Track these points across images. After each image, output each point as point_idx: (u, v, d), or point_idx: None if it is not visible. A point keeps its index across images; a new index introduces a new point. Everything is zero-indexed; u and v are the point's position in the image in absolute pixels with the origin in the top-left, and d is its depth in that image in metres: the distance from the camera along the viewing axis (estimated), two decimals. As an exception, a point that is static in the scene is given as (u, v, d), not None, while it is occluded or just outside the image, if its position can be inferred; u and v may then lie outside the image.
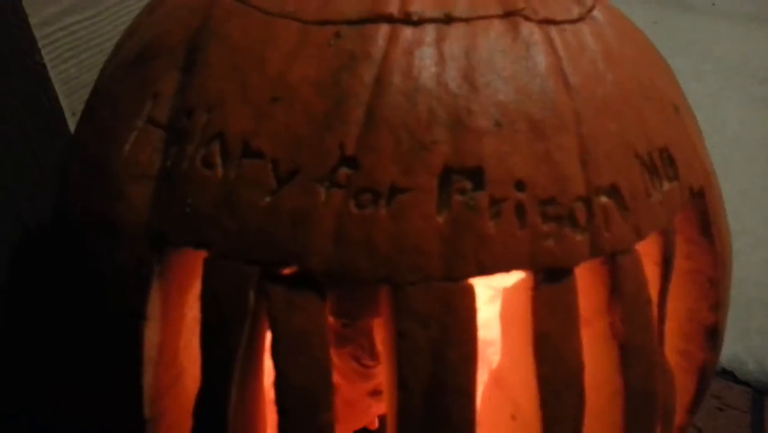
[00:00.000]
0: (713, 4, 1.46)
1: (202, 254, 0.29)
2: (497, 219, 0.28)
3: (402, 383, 0.28)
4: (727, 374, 0.71)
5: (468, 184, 0.27)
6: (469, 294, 0.28)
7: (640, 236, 0.31)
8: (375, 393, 0.43)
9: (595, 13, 0.33)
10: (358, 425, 0.47)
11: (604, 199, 0.30)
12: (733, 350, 0.72)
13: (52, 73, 0.53)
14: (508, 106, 0.28)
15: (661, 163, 0.32)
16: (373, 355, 0.36)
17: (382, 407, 0.44)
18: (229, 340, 0.28)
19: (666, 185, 0.32)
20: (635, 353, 0.31)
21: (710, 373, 0.41)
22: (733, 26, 1.39)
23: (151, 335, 0.30)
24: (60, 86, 0.54)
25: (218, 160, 0.28)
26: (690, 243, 0.36)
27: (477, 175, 0.27)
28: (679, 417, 0.43)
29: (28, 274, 0.50)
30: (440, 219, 0.27)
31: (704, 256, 0.36)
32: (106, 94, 0.34)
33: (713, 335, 0.39)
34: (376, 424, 0.54)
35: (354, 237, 0.27)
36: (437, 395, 0.28)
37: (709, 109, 1.05)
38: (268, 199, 0.28)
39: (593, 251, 0.29)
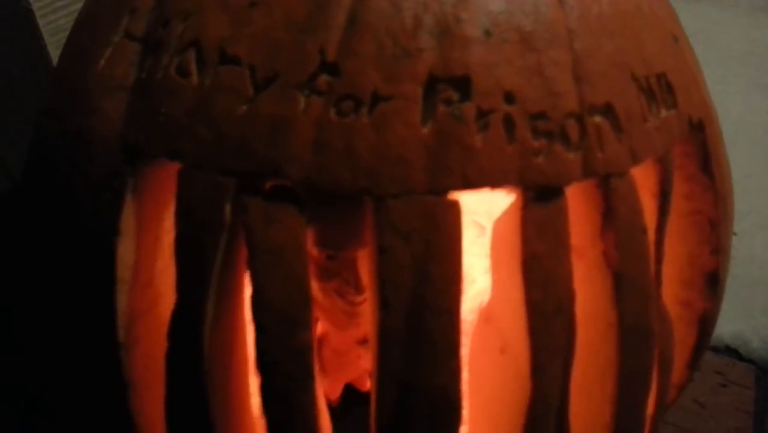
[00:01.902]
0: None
1: (178, 168, 0.28)
2: (485, 132, 0.26)
3: (384, 301, 0.27)
4: (731, 352, 0.70)
5: (454, 95, 0.26)
6: (454, 210, 0.26)
7: (635, 159, 0.29)
8: (363, 342, 0.42)
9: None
10: (348, 378, 0.46)
11: (598, 118, 0.28)
12: (737, 327, 0.71)
13: (41, 23, 0.52)
14: (499, 16, 0.27)
15: (659, 89, 0.31)
16: (359, 288, 0.34)
17: (369, 359, 0.43)
18: (204, 255, 0.27)
19: (663, 112, 0.31)
20: (629, 283, 0.30)
21: (710, 324, 0.40)
22: (739, 16, 1.39)
23: (125, 253, 0.29)
24: (49, 37, 0.53)
25: (193, 68, 0.27)
26: (690, 181, 0.35)
27: (464, 85, 0.26)
28: (678, 373, 0.42)
29: (12, 221, 0.49)
30: (425, 130, 0.26)
31: (704, 195, 0.35)
32: (86, 17, 0.33)
33: (714, 282, 0.37)
34: (368, 385, 0.53)
35: (334, 145, 0.26)
36: (419, 313, 0.27)
37: (715, 94, 1.05)
38: (244, 107, 0.26)
39: (586, 172, 0.28)
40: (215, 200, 0.27)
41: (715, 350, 0.69)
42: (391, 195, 0.26)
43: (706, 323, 0.39)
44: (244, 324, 0.30)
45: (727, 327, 0.71)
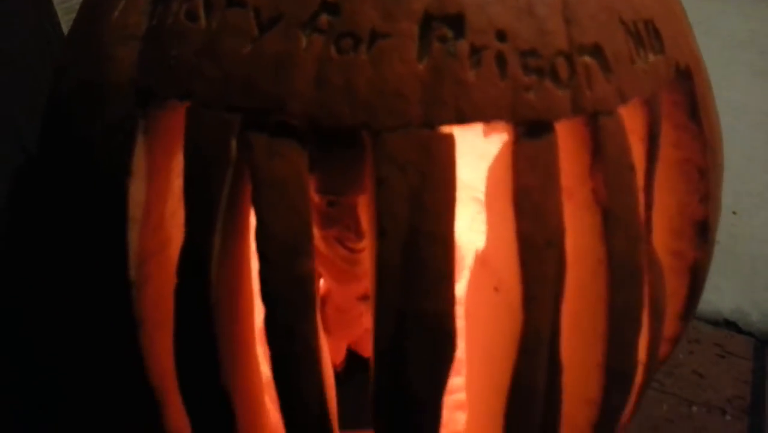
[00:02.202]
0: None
1: (186, 108, 0.29)
2: (478, 68, 0.28)
3: (381, 230, 0.28)
4: (730, 325, 0.71)
5: (449, 32, 0.28)
6: (449, 142, 0.28)
7: (623, 99, 0.31)
8: (364, 298, 0.43)
9: None
10: (351, 337, 0.48)
11: (586, 58, 0.30)
12: (736, 302, 0.72)
13: (55, 1, 0.54)
14: (489, -41, 0.28)
15: (647, 34, 0.32)
16: (359, 233, 0.36)
17: (370, 316, 0.45)
18: (211, 190, 0.29)
19: (651, 57, 0.32)
20: (618, 219, 0.31)
21: (701, 275, 0.41)
22: (741, 6, 1.41)
23: (136, 193, 0.30)
24: (62, 15, 0.54)
25: (201, 12, 0.29)
26: (679, 129, 0.36)
27: (458, 23, 0.28)
28: (670, 325, 0.43)
29: (28, 197, 0.51)
30: (420, 66, 0.27)
31: (693, 143, 0.36)
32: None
33: (703, 231, 0.39)
34: (369, 351, 0.54)
35: (334, 81, 0.27)
36: (415, 242, 0.28)
37: (717, 80, 1.07)
38: (249, 46, 0.28)
39: (575, 109, 0.29)
40: (221, 136, 0.28)
41: (715, 323, 0.71)
42: (388, 128, 0.27)
43: (697, 272, 0.40)
44: (249, 259, 0.31)
45: (726, 302, 0.72)
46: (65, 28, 0.55)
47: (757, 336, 0.69)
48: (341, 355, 0.51)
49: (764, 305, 0.72)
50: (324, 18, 0.27)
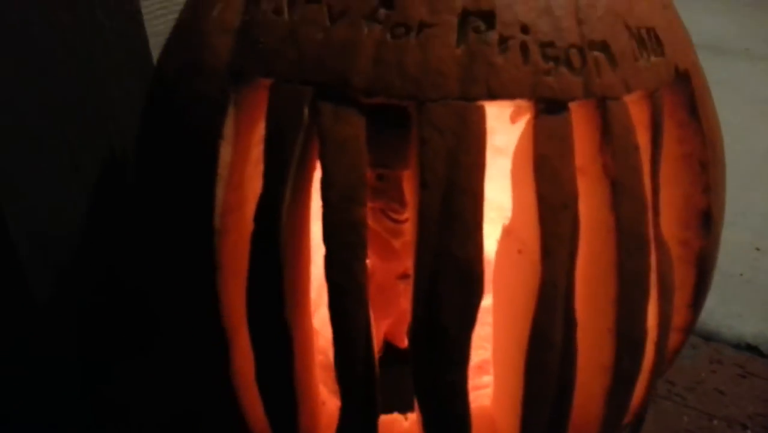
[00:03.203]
0: (747, 50, 1.54)
1: (269, 84, 0.36)
2: (505, 54, 0.34)
3: (423, 183, 0.34)
4: (752, 349, 0.74)
5: (482, 25, 0.34)
6: (480, 113, 0.34)
7: (628, 89, 0.37)
8: (404, 277, 0.49)
9: None
10: (390, 315, 0.53)
11: (596, 53, 0.36)
12: (759, 328, 0.75)
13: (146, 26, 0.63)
14: (515, -30, 0.35)
15: (649, 39, 0.38)
16: (402, 203, 0.42)
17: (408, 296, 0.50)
18: (286, 148, 0.35)
19: (653, 58, 0.38)
20: (625, 191, 0.37)
21: (708, 263, 0.46)
22: (766, 66, 1.47)
23: (225, 155, 0.37)
24: (150, 39, 0.63)
25: (285, 8, 0.36)
26: (681, 127, 0.42)
27: (489, 18, 0.34)
28: (681, 314, 0.47)
29: (115, 193, 0.59)
30: (458, 50, 0.34)
31: (694, 138, 0.42)
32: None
33: (707, 220, 0.44)
34: (406, 342, 0.59)
35: (389, 60, 0.34)
36: (451, 194, 0.34)
37: (741, 133, 1.13)
38: (322, 34, 0.35)
39: (586, 93, 0.36)
40: (297, 105, 0.35)
41: (737, 347, 0.74)
42: (431, 99, 0.34)
43: (703, 261, 0.45)
44: (310, 211, 0.38)
45: (749, 328, 0.75)
46: (151, 49, 0.63)
47: (779, 360, 0.72)
48: (379, 341, 0.56)
49: (785, 332, 0.75)
50: (382, 11, 0.35)
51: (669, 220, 0.44)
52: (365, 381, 0.36)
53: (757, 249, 0.86)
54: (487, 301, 0.44)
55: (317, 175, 0.36)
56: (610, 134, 0.36)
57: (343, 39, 0.35)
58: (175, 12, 0.65)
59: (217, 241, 0.38)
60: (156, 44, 0.64)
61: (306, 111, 0.35)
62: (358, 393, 0.37)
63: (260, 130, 0.38)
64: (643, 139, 0.39)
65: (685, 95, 0.41)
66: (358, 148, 0.35)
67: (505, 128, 0.39)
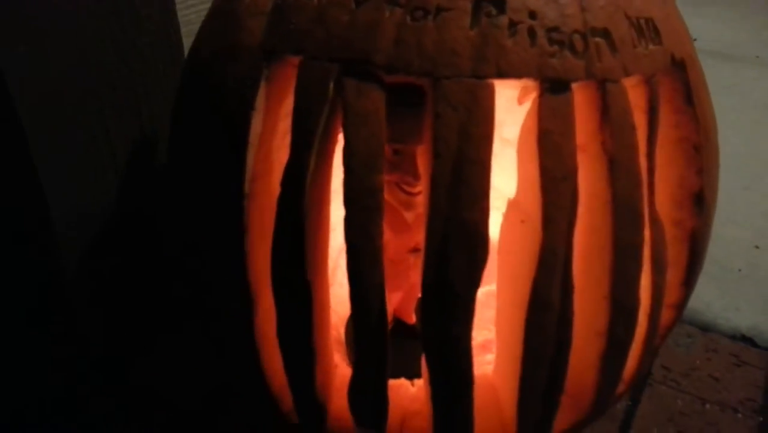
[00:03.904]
0: (757, 57, 1.57)
1: (298, 61, 0.40)
2: (514, 37, 0.38)
3: (436, 153, 0.38)
4: (747, 340, 0.77)
5: (493, 10, 0.38)
6: (490, 90, 0.38)
7: (626, 73, 0.40)
8: (415, 251, 0.52)
9: None
10: (400, 288, 0.56)
11: (597, 39, 0.39)
12: (754, 321, 0.78)
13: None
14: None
15: (647, 29, 0.42)
16: (416, 176, 0.45)
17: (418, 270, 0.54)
18: (312, 118, 0.39)
19: (651, 46, 0.42)
20: (621, 166, 0.40)
21: (700, 242, 0.49)
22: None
23: (256, 125, 0.41)
24: (182, 27, 0.67)
25: (315, -8, 0.40)
26: (677, 113, 0.45)
27: (500, 4, 0.38)
28: (673, 291, 0.51)
29: (147, 179, 0.62)
30: (472, 32, 0.38)
31: (689, 124, 0.45)
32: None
33: (700, 201, 0.47)
34: (413, 318, 0.62)
35: (408, 40, 0.38)
36: (461, 164, 0.37)
37: (748, 135, 1.16)
38: (348, 16, 0.39)
39: (587, 75, 0.39)
40: (323, 80, 0.39)
41: (732, 337, 0.77)
42: (445, 77, 0.37)
43: (696, 240, 0.48)
44: (330, 180, 0.41)
45: (745, 321, 0.78)
46: (183, 37, 0.67)
47: (773, 351, 0.75)
48: (389, 314, 0.60)
49: (780, 324, 0.78)
50: (403, -4, 0.38)
51: (664, 200, 0.47)
52: (378, 334, 0.39)
53: (757, 247, 0.89)
54: (491, 286, 0.47)
55: (339, 145, 0.40)
56: (609, 114, 0.40)
57: (367, 21, 0.38)
58: (206, 1, 0.69)
59: (246, 204, 0.42)
60: (186, 32, 0.68)
61: (331, 86, 0.39)
62: (371, 346, 0.40)
63: (287, 105, 0.41)
64: (640, 121, 0.42)
65: (682, 83, 0.44)
66: (378, 120, 0.38)
67: (513, 120, 0.42)
